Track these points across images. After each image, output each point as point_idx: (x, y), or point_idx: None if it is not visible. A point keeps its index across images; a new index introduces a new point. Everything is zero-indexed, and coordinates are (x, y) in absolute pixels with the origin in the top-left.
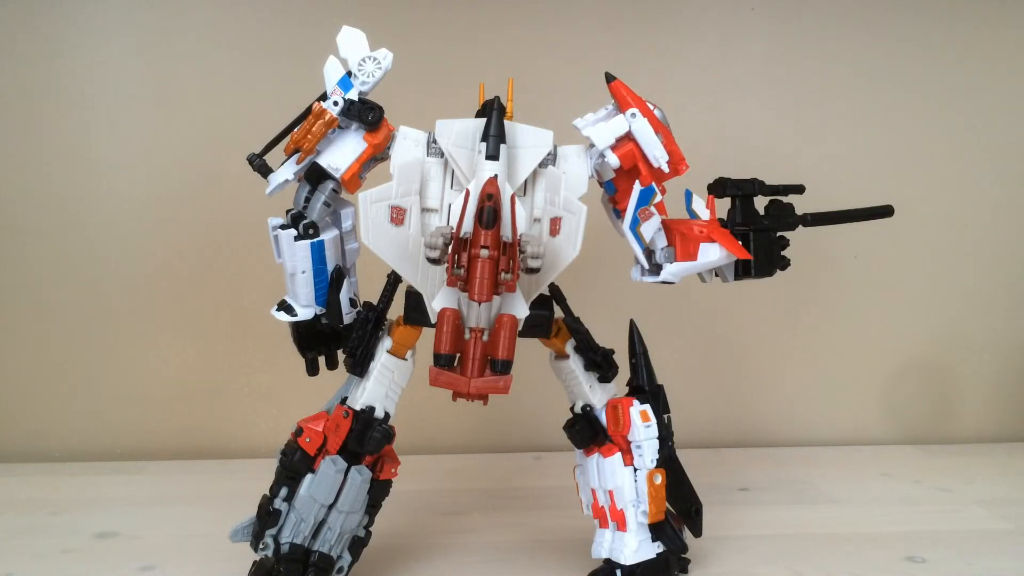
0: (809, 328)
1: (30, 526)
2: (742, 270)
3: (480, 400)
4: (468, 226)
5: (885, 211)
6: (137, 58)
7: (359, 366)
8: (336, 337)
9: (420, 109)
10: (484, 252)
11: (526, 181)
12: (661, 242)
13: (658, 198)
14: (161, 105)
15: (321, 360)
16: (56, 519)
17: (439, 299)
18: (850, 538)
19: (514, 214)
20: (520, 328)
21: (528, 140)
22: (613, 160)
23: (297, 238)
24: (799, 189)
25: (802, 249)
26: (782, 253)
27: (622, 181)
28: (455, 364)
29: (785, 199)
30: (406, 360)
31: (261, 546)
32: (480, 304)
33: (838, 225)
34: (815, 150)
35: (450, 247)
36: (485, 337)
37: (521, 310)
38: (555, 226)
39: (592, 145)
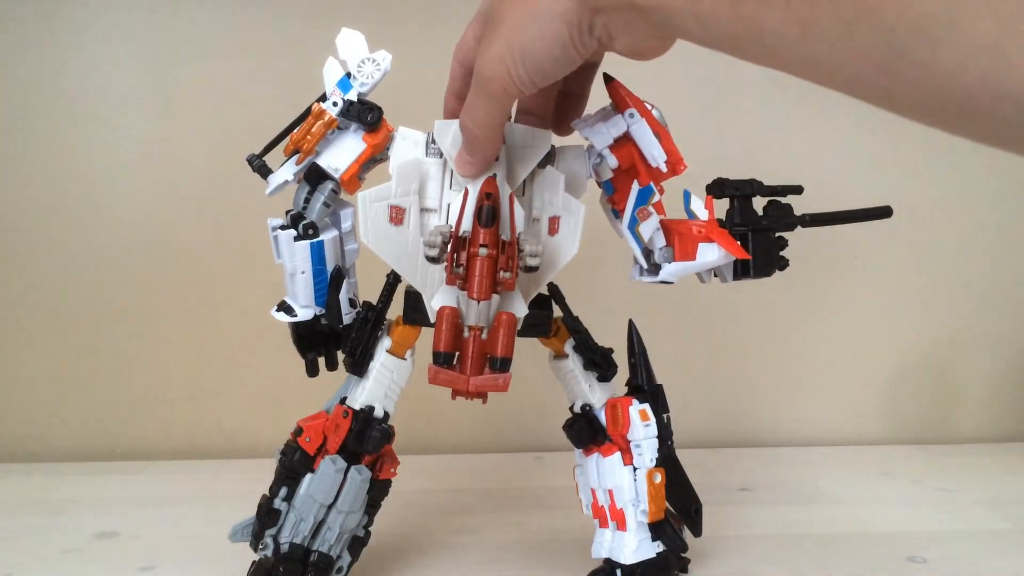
0: (809, 328)
1: (30, 526)
2: (741, 270)
3: (479, 398)
4: (467, 225)
5: (884, 212)
6: (137, 59)
7: (358, 366)
8: (336, 337)
9: (419, 110)
10: (483, 251)
11: (525, 181)
12: (659, 242)
13: (656, 198)
14: (162, 107)
15: (321, 360)
16: (56, 519)
17: (438, 298)
18: (850, 538)
19: (513, 213)
20: (519, 328)
21: (527, 140)
22: (611, 160)
23: (297, 238)
24: (797, 190)
25: (801, 249)
26: (781, 253)
27: (621, 181)
28: (454, 362)
29: (783, 200)
30: (405, 360)
31: (261, 546)
32: (479, 302)
33: (837, 225)
34: (814, 150)
35: (449, 246)
36: (484, 335)
37: (520, 309)
38: (554, 225)
39: (591, 145)
